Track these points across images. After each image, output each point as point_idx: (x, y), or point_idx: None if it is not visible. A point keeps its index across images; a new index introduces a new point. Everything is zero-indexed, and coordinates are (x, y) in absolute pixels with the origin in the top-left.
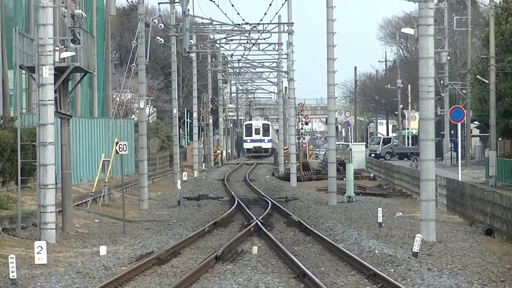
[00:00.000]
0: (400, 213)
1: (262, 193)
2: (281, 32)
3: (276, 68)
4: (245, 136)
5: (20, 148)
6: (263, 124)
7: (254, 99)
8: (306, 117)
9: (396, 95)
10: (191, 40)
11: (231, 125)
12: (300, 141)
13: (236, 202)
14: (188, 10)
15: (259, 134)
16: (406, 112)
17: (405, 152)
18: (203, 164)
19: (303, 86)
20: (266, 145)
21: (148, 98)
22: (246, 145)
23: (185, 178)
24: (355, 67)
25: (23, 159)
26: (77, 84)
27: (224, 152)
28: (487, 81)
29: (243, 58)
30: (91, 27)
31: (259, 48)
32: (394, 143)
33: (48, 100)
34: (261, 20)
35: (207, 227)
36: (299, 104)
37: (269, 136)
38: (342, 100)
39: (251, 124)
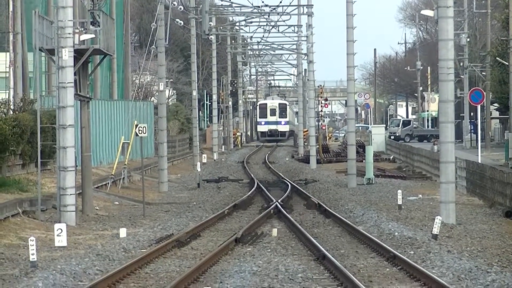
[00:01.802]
0: (415, 197)
1: (282, 175)
2: (300, 14)
3: (295, 50)
4: (259, 117)
5: (40, 131)
6: (279, 104)
7: (273, 81)
8: (326, 100)
9: (416, 77)
10: (210, 22)
11: (251, 107)
12: (320, 123)
13: (255, 184)
14: None
15: (275, 115)
16: (426, 94)
17: (424, 134)
18: (223, 147)
19: (323, 68)
20: (283, 127)
21: (167, 80)
22: (260, 128)
23: (204, 161)
24: (375, 49)
25: (43, 141)
26: (97, 66)
27: (244, 134)
28: (507, 63)
29: (262, 40)
30: (110, 9)
31: (278, 30)
32: (414, 125)
33: (68, 83)
34: (280, 2)
35: (227, 209)
36: (318, 86)
37: (286, 117)
38: (361, 82)
39: (266, 104)
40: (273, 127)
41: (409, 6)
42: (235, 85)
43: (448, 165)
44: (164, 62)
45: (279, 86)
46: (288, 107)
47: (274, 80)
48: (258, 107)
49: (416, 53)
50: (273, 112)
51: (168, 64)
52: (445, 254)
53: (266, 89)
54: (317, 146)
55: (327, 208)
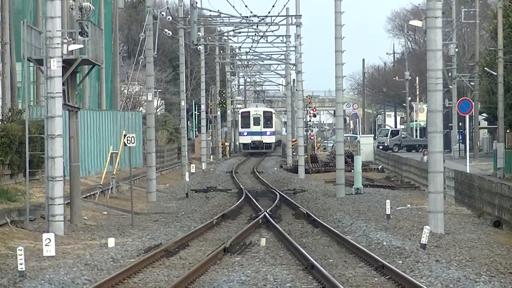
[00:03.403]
0: (404, 206)
1: (270, 185)
2: (289, 24)
3: (284, 61)
4: (242, 127)
5: (28, 141)
6: (264, 112)
7: (262, 91)
8: (314, 110)
9: (404, 87)
10: (199, 33)
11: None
12: (308, 133)
13: (244, 194)
14: (196, 2)
15: (259, 124)
16: (414, 104)
17: (413, 144)
18: (211, 157)
19: (311, 78)
20: (268, 139)
21: (156, 90)
22: (243, 139)
23: (193, 171)
24: (363, 59)
25: (31, 151)
26: (85, 76)
27: (233, 144)
28: (495, 73)
29: (251, 51)
30: (99, 20)
31: (267, 40)
32: (402, 135)
33: (56, 93)
34: (269, 12)
35: (215, 219)
36: (307, 97)
37: (271, 127)
38: (350, 92)
39: (249, 112)
40: (257, 138)
41: (398, 16)
42: (224, 95)
43: (436, 175)
44: (153, 72)
45: (264, 91)
46: (274, 115)
47: (262, 90)
48: (240, 115)
49: (405, 63)
50: (257, 121)
51: (157, 74)
52: (433, 263)
53: (254, 99)
54: (306, 156)
55: (315, 217)
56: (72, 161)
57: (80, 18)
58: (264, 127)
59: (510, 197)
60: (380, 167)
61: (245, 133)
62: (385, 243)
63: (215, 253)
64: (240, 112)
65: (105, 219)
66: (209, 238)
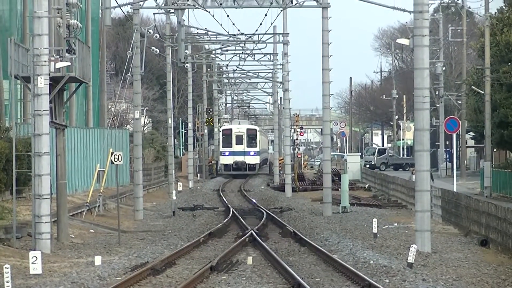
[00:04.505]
0: (391, 225)
1: (257, 204)
2: (276, 42)
3: (271, 79)
4: (222, 146)
5: (15, 158)
6: (248, 129)
7: (249, 109)
8: (301, 128)
9: (391, 106)
10: (186, 51)
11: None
12: (295, 151)
13: (231, 212)
14: (184, 20)
15: (241, 143)
16: (401, 123)
17: (400, 162)
18: (198, 175)
19: (298, 97)
20: (252, 159)
21: (143, 108)
22: (224, 160)
23: (180, 189)
24: (350, 78)
25: (18, 169)
26: (72, 94)
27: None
28: (482, 92)
29: (238, 69)
30: (86, 37)
31: (254, 58)
32: (389, 154)
33: (43, 110)
34: (256, 30)
35: (202, 237)
36: (294, 115)
37: (255, 146)
38: (337, 110)
39: (231, 129)
40: (239, 158)
41: (385, 34)
42: (211, 113)
43: (423, 193)
44: (140, 90)
45: (255, 114)
46: (258, 133)
47: (249, 108)
48: (221, 133)
49: (392, 82)
50: (239, 140)
51: (144, 92)
52: (420, 282)
53: (241, 116)
54: (293, 174)
55: (302, 236)
56: (59, 179)
57: (67, 35)
58: (247, 147)
59: (497, 216)
60: (367, 185)
61: (227, 153)
62: (372, 261)
63: (201, 271)
64: (221, 130)
65: (91, 237)
66: (196, 257)
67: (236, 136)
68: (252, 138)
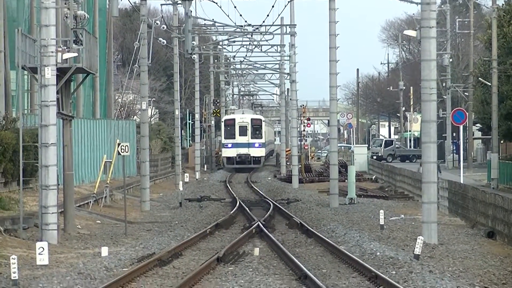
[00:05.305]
0: (397, 217)
1: (264, 195)
2: (283, 34)
3: (278, 70)
4: (225, 138)
5: (22, 149)
6: (252, 119)
7: (256, 101)
8: (308, 119)
9: (398, 97)
10: (193, 42)
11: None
12: (302, 143)
13: (238, 203)
14: (191, 11)
15: (245, 135)
16: (408, 114)
17: (407, 154)
18: (205, 166)
19: (305, 88)
20: (257, 151)
21: (150, 99)
22: (226, 152)
23: (187, 180)
24: (357, 69)
25: (25, 160)
26: (79, 85)
27: None
28: (489, 84)
29: (245, 60)
30: (93, 28)
31: (261, 49)
32: (396, 145)
33: (50, 101)
34: (263, 21)
35: (209, 228)
36: (301, 106)
37: (261, 137)
38: (344, 102)
39: (234, 119)
40: (243, 151)
41: (392, 26)
42: (218, 104)
43: (430, 185)
44: (147, 81)
45: (262, 106)
46: (264, 123)
47: (256, 99)
48: (223, 123)
49: (399, 73)
50: (243, 131)
51: (151, 83)
52: (427, 274)
53: (248, 106)
54: (300, 166)
55: (309, 227)
56: (66, 169)
57: (74, 26)
58: (252, 138)
59: (504, 207)
60: (374, 177)
61: (229, 145)
62: (378, 253)
63: (208, 262)
64: (223, 120)
65: (98, 228)
66: (203, 248)
67: (239, 126)
68: (256, 128)
